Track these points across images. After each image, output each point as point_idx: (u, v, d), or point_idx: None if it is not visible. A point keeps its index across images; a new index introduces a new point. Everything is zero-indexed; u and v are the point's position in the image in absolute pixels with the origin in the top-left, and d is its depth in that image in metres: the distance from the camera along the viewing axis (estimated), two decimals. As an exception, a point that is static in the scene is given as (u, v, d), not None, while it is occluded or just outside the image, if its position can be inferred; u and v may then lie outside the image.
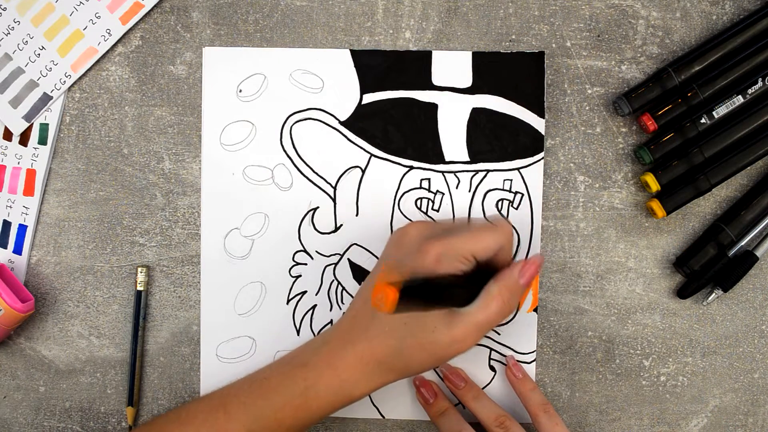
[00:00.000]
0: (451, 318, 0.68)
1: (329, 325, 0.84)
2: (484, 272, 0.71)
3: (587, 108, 0.82)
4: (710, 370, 0.83)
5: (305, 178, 0.83)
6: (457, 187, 0.82)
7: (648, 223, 0.83)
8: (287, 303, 0.84)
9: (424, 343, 0.68)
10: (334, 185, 0.83)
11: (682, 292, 0.82)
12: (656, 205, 0.80)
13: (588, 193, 0.82)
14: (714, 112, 0.78)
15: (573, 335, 0.83)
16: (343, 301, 0.83)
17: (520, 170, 0.82)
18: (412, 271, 0.63)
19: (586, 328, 0.83)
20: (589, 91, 0.82)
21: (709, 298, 0.82)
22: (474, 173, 0.82)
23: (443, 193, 0.82)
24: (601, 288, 0.83)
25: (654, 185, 0.79)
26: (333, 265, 0.83)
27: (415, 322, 0.68)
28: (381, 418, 0.84)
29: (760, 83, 0.77)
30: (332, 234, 0.83)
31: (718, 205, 0.82)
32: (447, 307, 0.68)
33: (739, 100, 0.78)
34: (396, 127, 0.82)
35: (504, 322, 0.82)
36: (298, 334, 0.84)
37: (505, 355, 0.83)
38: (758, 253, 0.81)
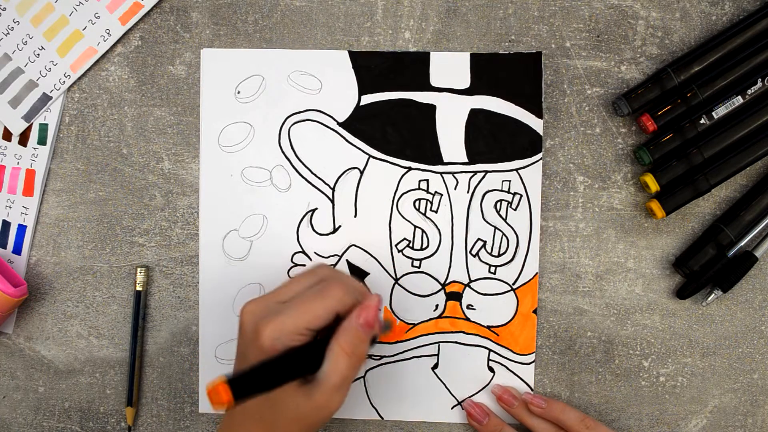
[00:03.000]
0: (308, 389, 0.68)
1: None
2: (331, 327, 0.70)
3: (587, 108, 0.82)
4: (709, 371, 0.83)
5: (303, 180, 0.83)
6: (455, 188, 0.82)
7: (647, 224, 0.83)
8: (286, 304, 0.84)
9: (293, 420, 0.68)
10: (332, 186, 0.83)
11: (682, 293, 0.82)
12: (656, 205, 0.79)
13: (587, 193, 0.82)
14: (713, 113, 0.78)
15: (572, 336, 0.83)
16: (342, 302, 0.83)
17: (519, 171, 0.82)
18: (253, 359, 0.66)
19: (586, 329, 0.83)
20: (589, 92, 0.82)
21: (709, 299, 0.82)
22: (472, 174, 0.82)
23: (441, 194, 0.82)
24: (600, 288, 0.83)
25: (653, 186, 0.79)
26: (331, 267, 0.83)
27: (279, 405, 0.68)
28: (380, 419, 0.84)
29: (759, 84, 0.77)
30: (331, 235, 0.83)
31: (718, 205, 0.82)
32: (297, 377, 0.68)
33: (738, 100, 0.77)
34: (394, 128, 0.82)
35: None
36: (297, 335, 0.84)
37: (504, 360, 0.83)
38: (757, 253, 0.81)
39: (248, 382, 0.64)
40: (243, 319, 0.70)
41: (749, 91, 0.77)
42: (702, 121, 0.78)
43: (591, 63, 0.82)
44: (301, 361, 0.68)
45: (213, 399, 0.61)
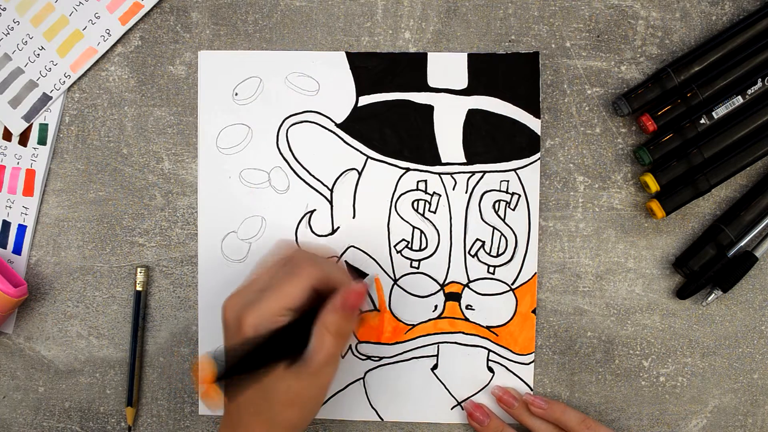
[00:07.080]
0: (296, 370, 0.68)
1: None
2: (321, 300, 0.71)
3: (587, 108, 0.82)
4: (710, 371, 0.83)
5: (302, 181, 0.83)
6: (453, 189, 0.82)
7: (647, 224, 0.83)
8: (285, 305, 0.84)
9: (287, 404, 0.69)
10: (330, 188, 0.83)
11: (682, 293, 0.82)
12: (656, 205, 0.79)
13: (587, 193, 0.82)
14: (713, 113, 0.78)
15: (572, 336, 0.83)
16: (341, 303, 0.83)
17: (517, 171, 0.82)
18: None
19: (586, 329, 0.83)
20: (589, 92, 0.82)
21: (709, 299, 0.82)
22: (470, 174, 0.82)
23: (440, 195, 0.82)
24: (600, 288, 0.83)
25: (653, 186, 0.79)
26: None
27: (271, 392, 0.69)
28: (380, 420, 0.84)
29: (759, 84, 0.77)
30: (329, 236, 0.83)
31: (718, 205, 0.82)
32: (284, 358, 0.68)
33: (738, 100, 0.77)
34: (392, 129, 0.82)
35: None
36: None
37: (503, 360, 0.83)
38: (757, 253, 0.81)
39: (237, 370, 0.64)
40: (226, 314, 0.71)
41: (749, 91, 0.77)
42: (702, 121, 0.78)
43: (591, 63, 0.82)
44: (285, 341, 0.68)
45: (204, 398, 0.61)
